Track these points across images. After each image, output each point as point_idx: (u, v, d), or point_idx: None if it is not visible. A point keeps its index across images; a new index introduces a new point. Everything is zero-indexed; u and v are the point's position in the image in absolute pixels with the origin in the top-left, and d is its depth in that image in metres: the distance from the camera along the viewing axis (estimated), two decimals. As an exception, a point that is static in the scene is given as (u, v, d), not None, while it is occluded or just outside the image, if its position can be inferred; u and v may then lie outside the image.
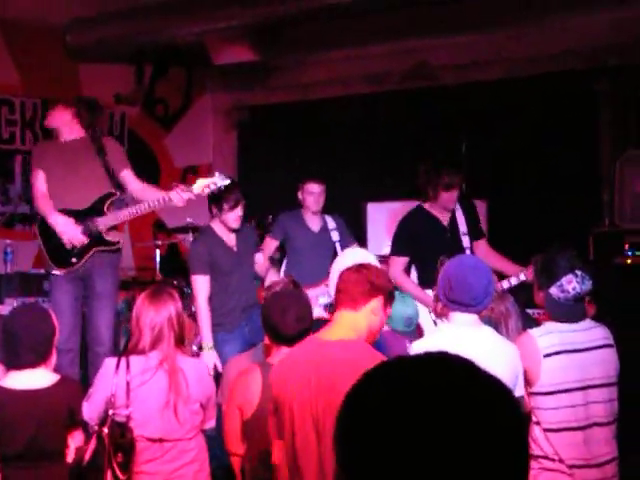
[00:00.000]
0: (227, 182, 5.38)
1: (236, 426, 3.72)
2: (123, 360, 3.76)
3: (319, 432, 2.98)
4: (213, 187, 5.36)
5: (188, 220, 7.29)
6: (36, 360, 3.57)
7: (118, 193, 5.58)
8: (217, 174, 5.45)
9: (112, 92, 8.34)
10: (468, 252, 5.80)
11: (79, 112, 5.59)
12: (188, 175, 9.14)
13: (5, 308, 6.15)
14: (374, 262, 3.76)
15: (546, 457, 3.53)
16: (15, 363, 3.60)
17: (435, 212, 5.85)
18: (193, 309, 6.76)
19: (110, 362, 3.82)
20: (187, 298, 6.76)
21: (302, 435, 3.00)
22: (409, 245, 5.81)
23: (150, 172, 8.71)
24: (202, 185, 5.37)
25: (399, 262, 5.77)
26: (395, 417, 1.07)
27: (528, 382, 3.54)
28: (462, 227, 5.89)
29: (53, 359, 3.70)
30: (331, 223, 6.32)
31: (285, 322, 3.68)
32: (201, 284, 5.43)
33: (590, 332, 3.66)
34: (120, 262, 5.81)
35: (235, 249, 5.55)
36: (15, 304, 5.84)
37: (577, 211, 7.13)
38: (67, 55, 7.83)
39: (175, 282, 6.87)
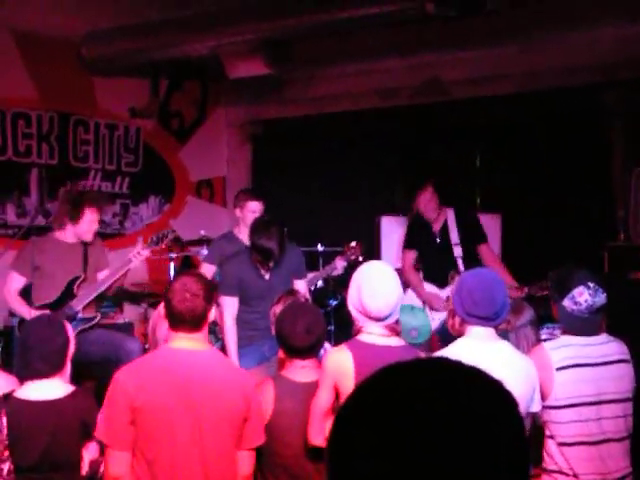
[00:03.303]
0: (173, 234, 6.00)
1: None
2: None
3: (200, 440, 3.18)
4: (164, 239, 5.89)
5: (202, 233, 7.31)
6: (49, 370, 3.57)
7: (83, 275, 5.81)
8: (164, 230, 6.06)
9: (127, 105, 8.39)
10: (460, 261, 6.35)
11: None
12: (202, 188, 9.19)
13: (17, 320, 6.17)
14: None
15: (560, 472, 3.51)
16: (27, 373, 3.60)
17: (427, 218, 6.53)
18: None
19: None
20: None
21: (183, 443, 3.16)
22: (411, 242, 6.64)
23: (165, 185, 8.78)
24: (155, 241, 5.84)
25: (406, 255, 6.64)
26: (392, 423, 1.05)
27: (541, 395, 3.53)
28: (453, 237, 6.45)
29: (67, 370, 3.71)
30: None
31: (295, 333, 3.69)
32: (228, 305, 5.44)
33: (606, 346, 3.64)
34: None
35: (267, 276, 5.47)
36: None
37: (592, 226, 7.11)
38: (83, 68, 7.87)
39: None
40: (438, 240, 6.49)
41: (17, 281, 5.79)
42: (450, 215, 6.50)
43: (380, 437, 1.05)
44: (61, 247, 5.83)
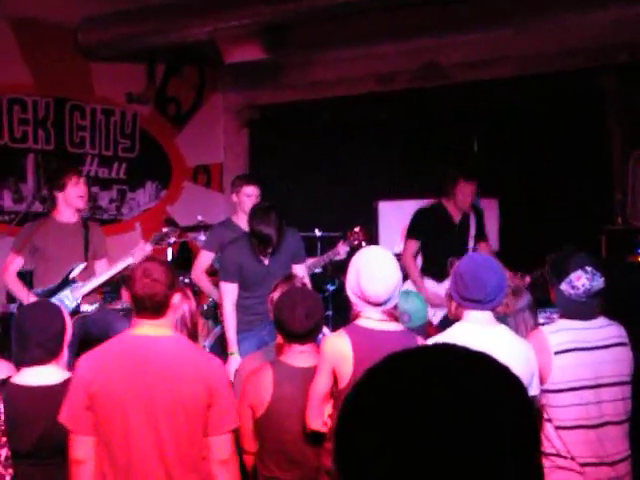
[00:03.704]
0: (175, 233, 5.99)
1: (248, 424, 3.73)
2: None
3: (154, 425, 3.17)
4: (167, 239, 5.96)
5: (199, 219, 7.30)
6: (45, 356, 3.56)
7: (85, 263, 5.78)
8: (165, 228, 6.05)
9: (124, 91, 8.37)
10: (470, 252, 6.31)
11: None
12: (199, 174, 9.18)
13: (17, 307, 6.17)
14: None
15: (558, 455, 3.52)
16: (24, 359, 3.59)
17: (450, 209, 6.47)
18: (205, 307, 6.80)
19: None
20: (198, 296, 6.78)
21: (138, 429, 3.17)
22: (420, 232, 6.46)
23: (162, 171, 8.77)
24: (157, 239, 5.91)
25: (410, 245, 6.49)
26: (398, 411, 1.05)
27: (539, 379, 3.53)
28: (472, 230, 6.50)
29: (64, 356, 3.70)
30: None
31: (294, 318, 3.69)
32: (228, 291, 5.45)
33: (604, 330, 3.64)
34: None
35: (266, 262, 5.47)
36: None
37: (589, 209, 7.12)
38: (79, 54, 7.85)
39: (187, 280, 6.88)
40: (457, 233, 6.45)
41: (15, 263, 5.76)
42: (472, 212, 6.57)
43: (383, 425, 1.05)
44: (62, 229, 5.81)
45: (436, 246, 6.36)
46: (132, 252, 5.74)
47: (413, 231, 6.50)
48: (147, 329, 3.32)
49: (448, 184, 6.40)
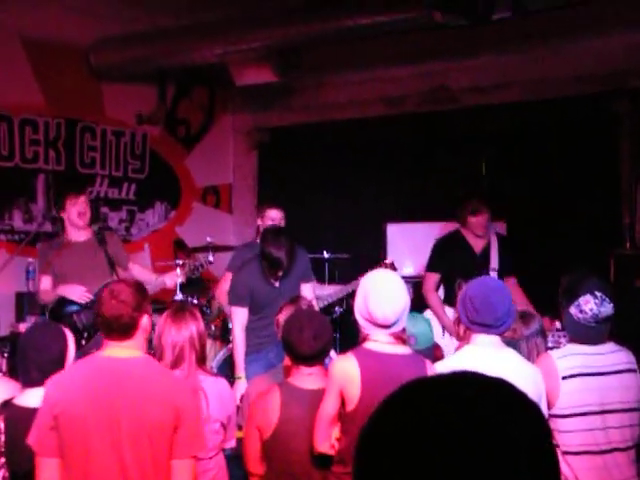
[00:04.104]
0: (208, 262, 6.33)
1: (255, 446, 3.73)
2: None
3: (117, 447, 3.14)
4: (200, 269, 6.31)
5: (208, 240, 7.31)
6: (42, 379, 3.51)
7: (116, 278, 5.94)
8: (200, 256, 6.45)
9: (134, 112, 8.41)
10: None
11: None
12: (208, 195, 9.21)
13: (26, 326, 6.20)
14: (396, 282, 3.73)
15: (566, 480, 3.52)
16: (25, 381, 3.59)
17: (469, 238, 6.23)
18: (213, 328, 6.80)
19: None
20: (207, 317, 6.78)
21: (100, 451, 3.14)
22: (441, 263, 6.21)
23: (171, 192, 8.80)
24: (191, 269, 6.31)
25: (430, 278, 6.23)
26: (418, 441, 1.05)
27: (547, 404, 3.52)
28: (493, 262, 6.21)
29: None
30: None
31: (302, 340, 3.69)
32: (238, 315, 5.48)
33: (612, 356, 3.63)
34: None
35: (277, 284, 5.50)
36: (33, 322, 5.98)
37: (598, 233, 7.10)
38: (90, 75, 7.90)
39: (195, 301, 6.89)
40: (479, 262, 6.15)
41: (43, 282, 6.00)
42: (493, 240, 6.31)
43: (400, 457, 1.05)
44: (75, 248, 5.99)
45: (457, 277, 5.91)
46: (164, 279, 6.17)
47: (433, 264, 6.28)
48: (115, 350, 3.28)
49: (460, 215, 6.25)
